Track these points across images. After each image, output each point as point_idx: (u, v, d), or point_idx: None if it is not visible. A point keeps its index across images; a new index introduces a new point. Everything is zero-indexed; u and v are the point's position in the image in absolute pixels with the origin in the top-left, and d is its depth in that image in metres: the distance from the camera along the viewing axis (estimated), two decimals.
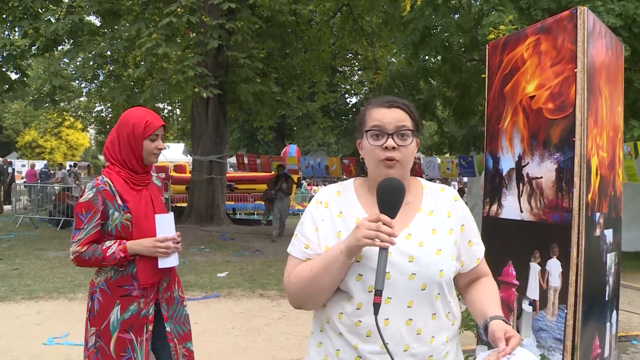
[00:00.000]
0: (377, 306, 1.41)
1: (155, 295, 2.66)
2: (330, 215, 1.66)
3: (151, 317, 2.62)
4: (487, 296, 1.70)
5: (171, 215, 2.69)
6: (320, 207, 1.69)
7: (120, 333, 2.54)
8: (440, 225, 1.65)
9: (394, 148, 1.58)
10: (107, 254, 2.50)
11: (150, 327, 2.62)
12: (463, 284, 1.76)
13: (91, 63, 11.81)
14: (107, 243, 2.54)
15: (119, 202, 2.58)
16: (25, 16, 10.51)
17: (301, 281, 1.60)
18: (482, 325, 1.58)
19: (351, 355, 1.57)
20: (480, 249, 1.76)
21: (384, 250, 1.44)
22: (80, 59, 13.34)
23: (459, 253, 1.69)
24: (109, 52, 12.12)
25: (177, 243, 2.66)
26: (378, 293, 1.41)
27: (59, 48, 12.40)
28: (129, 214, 2.58)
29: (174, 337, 2.70)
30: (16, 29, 11.15)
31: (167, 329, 2.68)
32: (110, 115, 25.13)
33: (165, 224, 2.64)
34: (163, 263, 2.61)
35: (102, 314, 2.55)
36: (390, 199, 1.50)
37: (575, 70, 2.95)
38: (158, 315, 2.69)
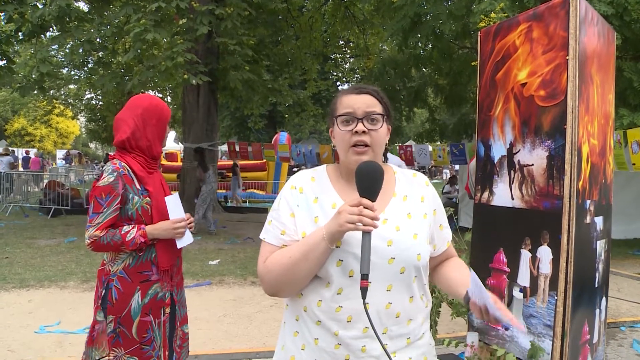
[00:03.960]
0: (364, 290, 1.40)
1: (170, 278, 2.71)
2: (306, 200, 1.65)
3: (168, 300, 2.67)
4: (460, 271, 1.75)
5: (177, 195, 2.75)
6: (295, 192, 1.67)
7: (142, 317, 2.57)
8: (415, 210, 1.67)
9: (364, 132, 1.58)
10: (127, 239, 2.50)
11: (168, 310, 2.67)
12: (432, 267, 1.78)
13: (80, 50, 11.66)
14: (126, 228, 2.54)
15: (138, 186, 2.60)
16: (10, 0, 10.33)
17: (279, 268, 1.57)
18: (465, 298, 1.58)
19: (331, 342, 1.56)
20: (449, 232, 1.81)
21: (367, 234, 1.44)
22: (68, 45, 13.18)
23: (432, 237, 1.72)
24: (98, 39, 11.97)
25: (190, 223, 2.75)
26: (364, 277, 1.41)
27: (47, 34, 12.22)
28: (148, 198, 2.61)
29: (177, 319, 2.77)
30: (1, 14, 10.96)
31: (179, 312, 2.78)
32: (100, 103, 24.96)
33: (175, 205, 2.71)
34: (180, 243, 2.71)
35: (122, 301, 2.55)
36: (369, 182, 1.50)
37: (567, 57, 2.95)
38: (171, 299, 2.75)
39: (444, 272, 1.78)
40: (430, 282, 1.77)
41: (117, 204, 2.53)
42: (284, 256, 1.58)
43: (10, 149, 25.29)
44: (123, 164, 2.60)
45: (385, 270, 1.55)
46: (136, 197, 2.58)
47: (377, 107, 1.63)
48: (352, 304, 1.52)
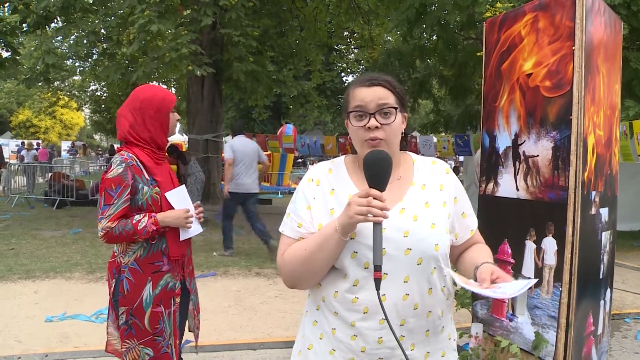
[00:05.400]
0: (378, 282, 1.40)
1: (182, 268, 2.75)
2: (323, 192, 1.65)
3: (178, 290, 2.69)
4: (478, 252, 1.71)
5: (182, 188, 2.76)
6: (312, 184, 1.67)
7: (154, 308, 2.59)
8: (433, 199, 1.64)
9: (377, 127, 1.56)
10: (139, 228, 2.52)
11: (178, 300, 2.69)
12: (456, 255, 1.76)
13: (84, 41, 11.65)
14: (137, 217, 2.56)
15: (147, 176, 2.62)
16: None
17: (295, 261, 1.59)
18: (472, 273, 1.56)
19: (347, 333, 1.56)
20: (473, 220, 1.76)
21: (378, 224, 1.43)
22: (73, 37, 13.16)
23: (453, 226, 1.68)
24: (102, 30, 11.95)
25: (199, 213, 2.80)
26: (377, 268, 1.40)
27: (51, 26, 12.20)
28: (157, 188, 2.63)
29: (194, 308, 2.85)
30: (5, 5, 10.93)
31: (194, 301, 2.85)
32: (105, 95, 24.96)
33: (180, 198, 2.72)
34: (185, 234, 2.72)
35: (133, 292, 2.57)
36: (377, 171, 1.48)
37: (573, 47, 2.93)
38: (183, 288, 2.78)
39: (465, 255, 1.74)
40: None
41: (127, 195, 2.54)
42: (299, 248, 1.59)
43: (33, 142, 25.52)
44: (131, 155, 2.61)
45: (402, 261, 1.53)
46: (145, 187, 2.60)
47: (390, 99, 1.59)
48: (368, 296, 1.51)
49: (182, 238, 2.71)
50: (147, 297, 2.57)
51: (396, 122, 1.59)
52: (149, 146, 2.67)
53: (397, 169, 1.64)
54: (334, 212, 1.59)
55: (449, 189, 1.69)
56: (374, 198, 1.43)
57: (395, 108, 1.59)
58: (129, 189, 2.55)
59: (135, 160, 2.60)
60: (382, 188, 1.47)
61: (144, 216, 2.56)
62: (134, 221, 2.53)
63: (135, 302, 2.56)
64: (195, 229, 2.79)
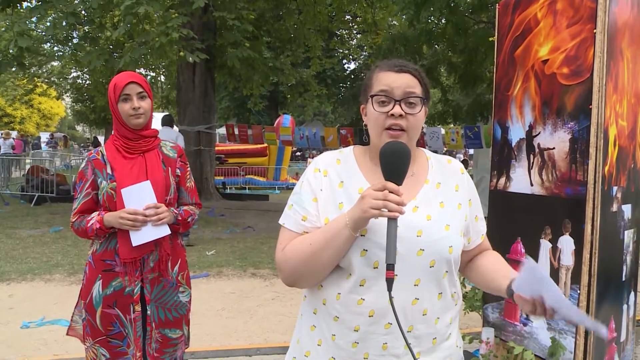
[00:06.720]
0: (390, 282, 1.39)
1: (141, 273, 2.67)
2: (330, 184, 1.63)
3: (136, 297, 2.66)
4: (503, 265, 1.70)
5: (146, 184, 2.62)
6: (319, 175, 1.65)
7: (105, 308, 2.63)
8: (449, 199, 1.64)
9: (400, 116, 1.55)
10: (88, 225, 2.62)
11: (138, 308, 2.67)
12: (465, 261, 1.75)
13: (63, 23, 11.55)
14: (93, 214, 2.65)
15: (108, 170, 2.66)
16: None
17: (298, 257, 1.56)
18: (506, 290, 1.53)
19: (349, 340, 1.55)
20: (484, 224, 1.78)
21: (393, 221, 1.41)
22: (50, 18, 13.06)
23: (467, 229, 1.69)
24: (83, 12, 11.86)
25: (157, 215, 2.60)
26: (390, 267, 1.38)
27: (24, 4, 12.06)
28: (114, 183, 2.63)
29: (152, 321, 2.71)
30: None
31: (148, 312, 2.70)
32: (87, 82, 24.88)
33: (137, 195, 2.59)
34: (136, 239, 2.58)
35: (87, 287, 2.68)
36: (395, 164, 1.47)
37: (595, 31, 2.92)
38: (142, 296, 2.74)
39: (482, 264, 1.74)
40: (461, 276, 1.74)
41: (87, 189, 2.67)
42: (303, 244, 1.56)
43: (10, 132, 25.60)
44: (100, 148, 2.74)
45: (414, 262, 1.52)
46: (104, 182, 2.65)
47: (417, 89, 1.59)
48: (375, 298, 1.50)
49: (134, 244, 2.59)
50: (96, 295, 2.64)
51: (420, 113, 1.59)
52: (120, 136, 2.71)
53: (412, 165, 1.63)
54: (343, 206, 1.58)
55: (464, 190, 1.70)
56: (391, 192, 1.42)
57: (422, 99, 1.59)
58: (89, 184, 2.67)
59: (102, 154, 2.70)
60: (399, 182, 1.46)
61: (98, 213, 2.65)
62: (89, 217, 2.65)
63: (87, 297, 2.66)
64: (151, 233, 2.62)
